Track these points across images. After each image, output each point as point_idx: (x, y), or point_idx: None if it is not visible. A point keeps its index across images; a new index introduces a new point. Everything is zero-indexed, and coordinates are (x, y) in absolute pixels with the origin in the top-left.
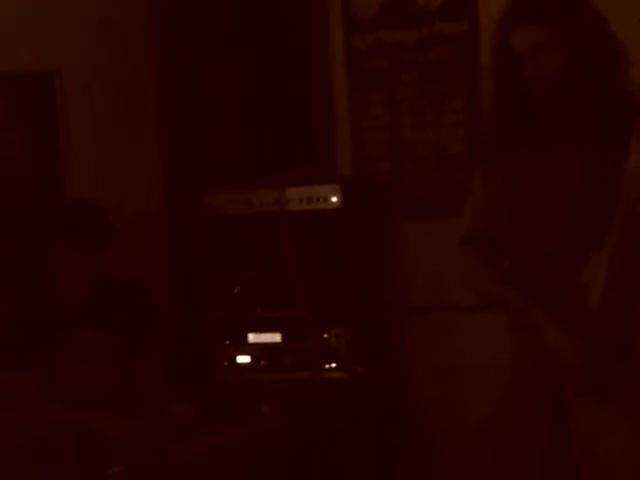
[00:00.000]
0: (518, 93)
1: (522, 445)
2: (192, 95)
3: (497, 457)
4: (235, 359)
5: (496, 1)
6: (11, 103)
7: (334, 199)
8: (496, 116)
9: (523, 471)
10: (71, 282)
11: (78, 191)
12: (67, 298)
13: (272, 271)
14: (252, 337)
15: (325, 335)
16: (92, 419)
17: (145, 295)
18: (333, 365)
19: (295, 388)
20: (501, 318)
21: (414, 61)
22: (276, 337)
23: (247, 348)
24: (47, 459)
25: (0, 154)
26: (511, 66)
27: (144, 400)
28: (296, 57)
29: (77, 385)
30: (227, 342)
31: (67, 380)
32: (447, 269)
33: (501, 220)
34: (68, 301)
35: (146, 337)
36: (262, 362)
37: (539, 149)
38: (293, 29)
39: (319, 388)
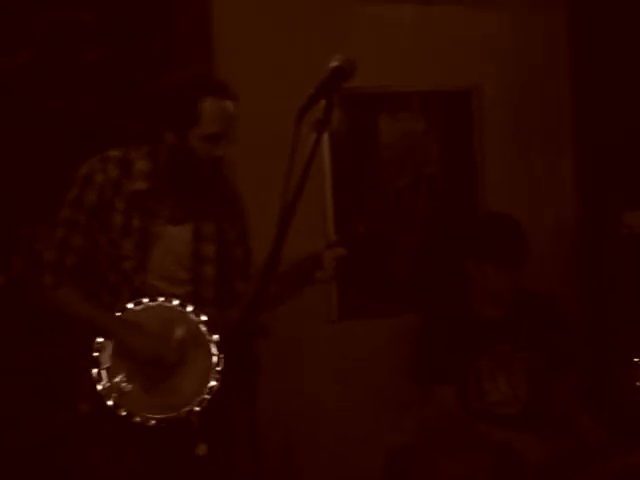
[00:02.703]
0: None
1: None
2: (610, 111)
3: None
4: None
5: None
6: (429, 121)
7: None
8: None
9: None
10: (486, 296)
11: (491, 206)
12: (482, 312)
13: None
14: None
15: None
16: (511, 435)
17: (561, 312)
18: None
19: None
20: None
21: None
22: None
23: None
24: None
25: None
26: None
27: (559, 418)
28: None
29: (493, 399)
30: None
31: (484, 394)
32: None
33: None
34: (484, 315)
35: (561, 355)
36: None
37: None
38: None
39: None
